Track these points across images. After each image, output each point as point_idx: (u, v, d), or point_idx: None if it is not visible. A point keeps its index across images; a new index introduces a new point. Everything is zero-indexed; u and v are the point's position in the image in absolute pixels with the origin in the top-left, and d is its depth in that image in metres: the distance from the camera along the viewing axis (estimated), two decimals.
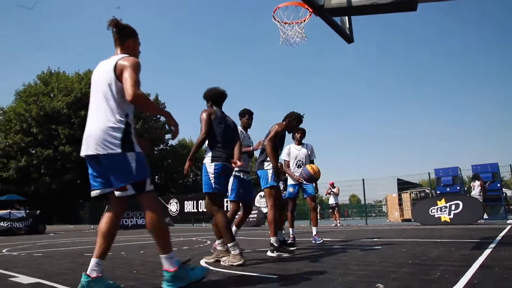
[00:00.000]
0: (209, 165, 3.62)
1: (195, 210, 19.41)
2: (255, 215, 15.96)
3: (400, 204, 16.74)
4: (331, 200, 15.13)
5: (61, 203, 32.53)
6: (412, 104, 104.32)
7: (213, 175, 3.57)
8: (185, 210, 20.22)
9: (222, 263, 3.52)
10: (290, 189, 5.85)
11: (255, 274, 2.85)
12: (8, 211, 13.60)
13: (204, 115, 3.71)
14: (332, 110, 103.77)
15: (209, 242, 6.69)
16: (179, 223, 21.02)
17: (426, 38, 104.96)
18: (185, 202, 20.30)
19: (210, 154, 3.67)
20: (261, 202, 16.30)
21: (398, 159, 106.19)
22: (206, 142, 3.73)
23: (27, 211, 13.98)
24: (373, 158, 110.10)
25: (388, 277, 2.59)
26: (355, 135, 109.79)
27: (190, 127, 46.87)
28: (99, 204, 23.69)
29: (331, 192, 14.93)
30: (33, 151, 33.97)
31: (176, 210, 20.80)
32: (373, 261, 3.46)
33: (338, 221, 14.54)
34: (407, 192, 16.45)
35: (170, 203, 21.26)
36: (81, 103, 33.57)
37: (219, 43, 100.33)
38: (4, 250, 5.95)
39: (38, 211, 13.98)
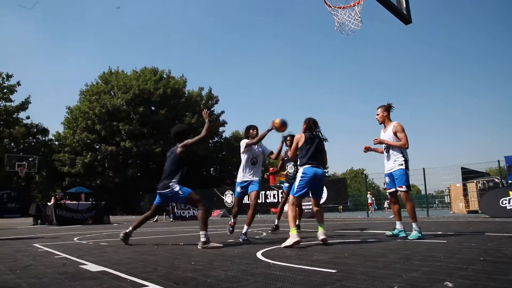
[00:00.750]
0: None
1: (246, 201, 19.61)
2: (310, 207, 15.75)
3: (465, 195, 15.74)
4: None
5: (123, 195, 34.43)
6: (475, 87, 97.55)
7: None
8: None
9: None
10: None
11: (315, 268, 2.78)
12: (76, 202, 14.63)
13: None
14: (387, 95, 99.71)
15: (264, 234, 6.71)
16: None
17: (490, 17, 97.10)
18: None
19: None
20: None
21: (462, 147, 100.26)
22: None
23: (93, 202, 14.94)
24: (434, 146, 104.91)
25: (457, 274, 2.40)
26: (414, 122, 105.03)
27: (243, 120, 47.44)
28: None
29: None
30: (97, 147, 36.20)
31: (232, 201, 21.15)
32: (439, 256, 3.25)
33: None
34: (473, 182, 15.39)
35: (226, 195, 21.65)
36: (139, 99, 35.14)
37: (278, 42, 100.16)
38: (75, 239, 6.37)
39: (103, 203, 14.87)
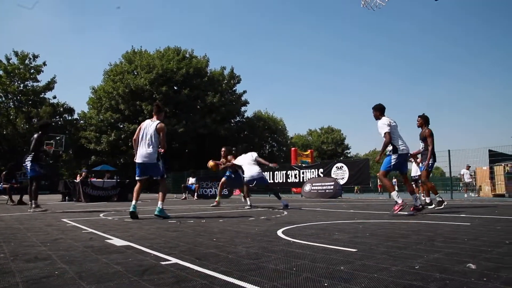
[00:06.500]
0: None
1: (271, 181, 19.68)
2: (332, 187, 15.74)
3: (492, 178, 15.35)
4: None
5: None
6: (502, 64, 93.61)
7: None
8: None
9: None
10: None
11: (335, 247, 2.79)
12: (102, 179, 15.05)
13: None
14: (411, 75, 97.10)
15: (286, 213, 6.75)
16: (253, 193, 21.52)
17: None
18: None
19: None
20: (337, 173, 16.05)
21: (489, 129, 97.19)
22: None
23: (118, 180, 15.32)
24: (461, 128, 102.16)
25: (481, 256, 2.37)
26: (440, 102, 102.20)
27: (264, 100, 47.22)
28: (180, 175, 25.16)
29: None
30: (121, 126, 36.89)
31: None
32: (462, 238, 3.20)
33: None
34: (501, 165, 14.97)
35: None
36: (162, 79, 35.38)
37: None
38: (101, 215, 6.59)
39: (127, 181, 15.23)
